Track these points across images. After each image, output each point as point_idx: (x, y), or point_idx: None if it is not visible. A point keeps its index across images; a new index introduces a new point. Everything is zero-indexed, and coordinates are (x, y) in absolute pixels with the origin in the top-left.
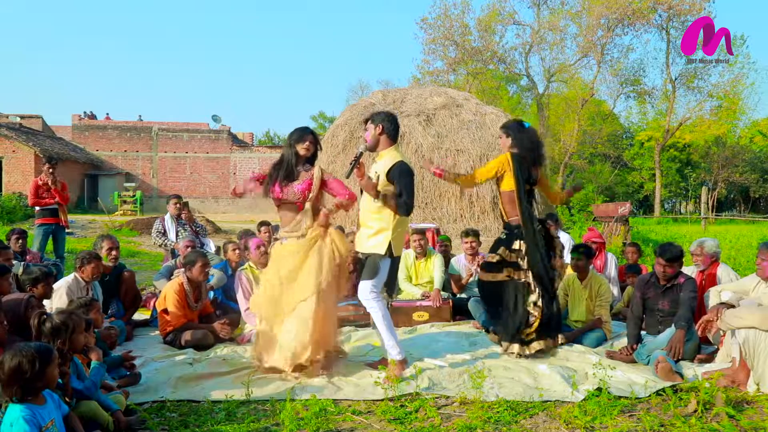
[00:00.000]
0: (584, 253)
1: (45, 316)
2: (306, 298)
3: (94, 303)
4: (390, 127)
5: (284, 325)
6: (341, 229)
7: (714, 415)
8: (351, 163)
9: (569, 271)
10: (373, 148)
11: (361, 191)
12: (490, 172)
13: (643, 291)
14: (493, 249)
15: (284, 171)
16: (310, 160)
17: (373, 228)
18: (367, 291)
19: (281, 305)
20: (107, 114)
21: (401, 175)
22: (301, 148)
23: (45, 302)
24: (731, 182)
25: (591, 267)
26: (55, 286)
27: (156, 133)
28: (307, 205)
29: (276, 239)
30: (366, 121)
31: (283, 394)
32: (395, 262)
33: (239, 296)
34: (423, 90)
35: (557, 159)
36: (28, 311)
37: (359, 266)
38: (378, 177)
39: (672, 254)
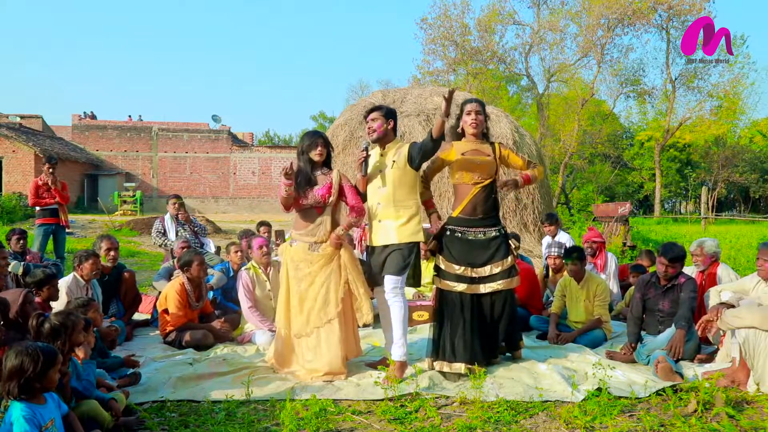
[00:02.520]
0: (577, 257)
1: (43, 317)
2: (324, 324)
3: (91, 303)
4: (396, 124)
5: (308, 343)
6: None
7: (714, 415)
8: (364, 160)
9: (566, 272)
10: (379, 140)
11: (362, 194)
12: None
13: (643, 291)
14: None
15: (303, 179)
16: (326, 163)
17: (404, 216)
18: (396, 286)
19: (301, 323)
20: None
21: (415, 146)
22: (315, 155)
23: (52, 304)
24: (731, 182)
25: (591, 267)
26: None
27: (156, 133)
28: (327, 210)
29: (278, 243)
30: (372, 111)
31: (283, 394)
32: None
33: (240, 295)
34: (423, 90)
35: (557, 159)
36: (25, 306)
37: (370, 264)
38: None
39: (675, 254)
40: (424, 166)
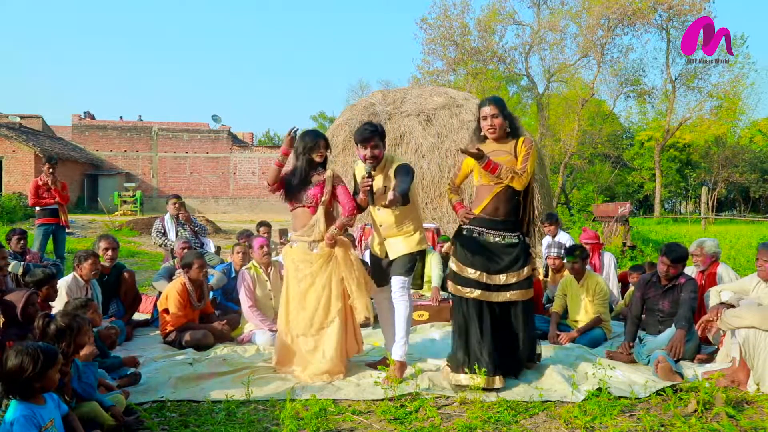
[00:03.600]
0: (579, 255)
1: (49, 318)
2: (328, 324)
3: (90, 303)
4: None
5: (309, 343)
6: (351, 236)
7: (714, 415)
8: (370, 188)
9: (566, 272)
10: (377, 164)
11: (361, 208)
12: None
13: (643, 291)
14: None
15: (298, 179)
16: (323, 163)
17: (410, 230)
18: (404, 286)
19: (304, 323)
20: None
21: (404, 170)
22: (316, 156)
23: (51, 304)
24: (731, 182)
25: (588, 267)
26: None
27: (156, 133)
28: (320, 209)
29: (282, 243)
30: (369, 138)
31: (283, 394)
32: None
33: (241, 295)
34: (423, 90)
35: (557, 159)
36: (28, 308)
37: (372, 266)
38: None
39: (677, 254)
40: (451, 174)
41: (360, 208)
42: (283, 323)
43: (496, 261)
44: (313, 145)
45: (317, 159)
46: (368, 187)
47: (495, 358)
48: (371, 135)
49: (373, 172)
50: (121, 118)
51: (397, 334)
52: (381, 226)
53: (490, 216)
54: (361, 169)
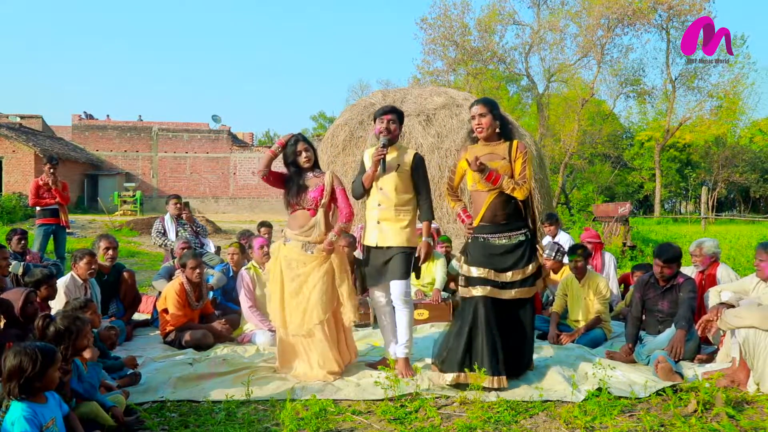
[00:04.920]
0: (582, 254)
1: (49, 319)
2: (315, 324)
3: (89, 304)
4: None
5: (303, 343)
6: (352, 236)
7: (714, 415)
8: (382, 158)
9: (567, 271)
10: (393, 142)
11: (366, 189)
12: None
13: (642, 292)
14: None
15: (295, 185)
16: (317, 165)
17: (405, 220)
18: (405, 292)
19: (295, 321)
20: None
21: (421, 168)
22: (302, 161)
23: (50, 303)
24: (731, 182)
25: (589, 266)
26: None
27: (156, 133)
28: (320, 212)
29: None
30: (389, 112)
31: (283, 394)
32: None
33: (241, 295)
34: (423, 90)
35: (557, 159)
36: (26, 306)
37: (367, 264)
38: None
39: (670, 255)
40: (446, 177)
41: (364, 190)
42: (279, 322)
43: (502, 260)
44: (292, 152)
45: (305, 164)
46: (381, 157)
47: (500, 358)
48: (391, 109)
49: (384, 143)
50: (108, 116)
51: (401, 338)
52: (379, 205)
53: (490, 222)
54: (370, 157)
